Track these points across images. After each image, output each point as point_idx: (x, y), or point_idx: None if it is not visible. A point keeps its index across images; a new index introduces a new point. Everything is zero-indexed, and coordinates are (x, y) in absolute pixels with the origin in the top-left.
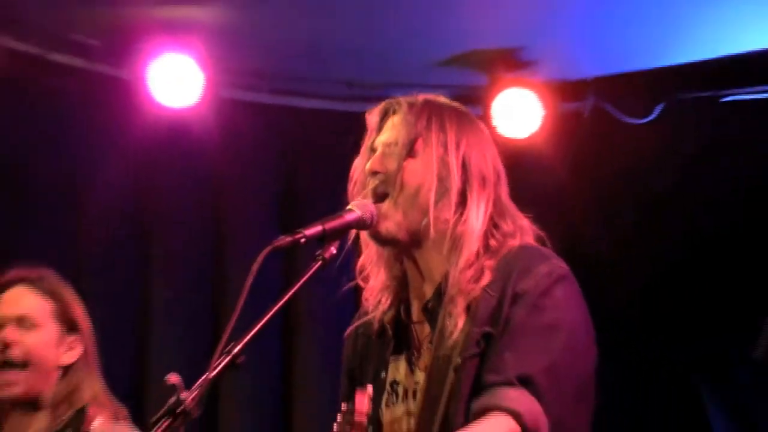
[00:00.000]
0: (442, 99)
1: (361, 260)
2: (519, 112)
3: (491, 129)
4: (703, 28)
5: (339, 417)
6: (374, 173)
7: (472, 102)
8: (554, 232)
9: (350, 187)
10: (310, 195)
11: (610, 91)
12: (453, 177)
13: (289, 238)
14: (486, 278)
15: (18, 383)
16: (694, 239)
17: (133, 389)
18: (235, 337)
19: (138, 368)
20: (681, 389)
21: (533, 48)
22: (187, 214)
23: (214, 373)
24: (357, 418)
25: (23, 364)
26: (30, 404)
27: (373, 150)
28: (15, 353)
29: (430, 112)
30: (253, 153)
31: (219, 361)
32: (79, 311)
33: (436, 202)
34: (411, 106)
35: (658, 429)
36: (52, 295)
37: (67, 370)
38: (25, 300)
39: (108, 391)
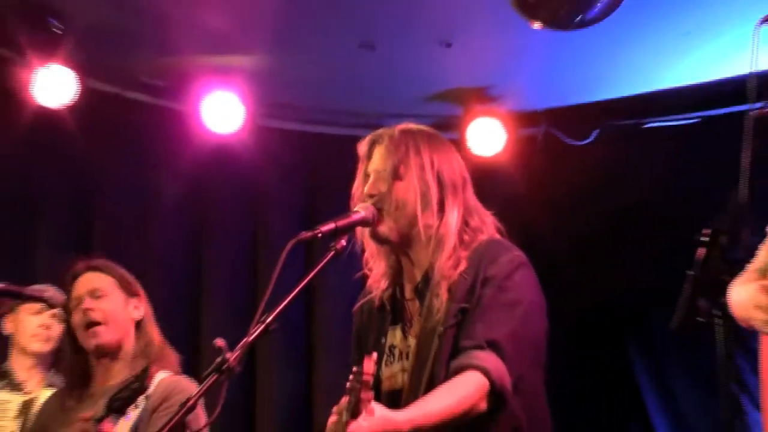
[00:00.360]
0: (414, 126)
1: (366, 255)
2: (487, 137)
3: (466, 150)
4: (627, 70)
5: (351, 376)
6: (371, 196)
7: (451, 129)
8: (513, 229)
9: (352, 203)
10: (329, 206)
11: (558, 120)
12: (432, 191)
13: (309, 233)
14: (462, 266)
15: (101, 334)
16: (618, 228)
17: (188, 353)
18: (268, 310)
19: (193, 337)
20: (616, 350)
21: (498, 86)
22: (231, 220)
23: (252, 337)
24: (365, 377)
25: (103, 323)
26: (113, 354)
27: (367, 175)
28: (94, 316)
29: (407, 140)
30: (283, 171)
31: (255, 328)
32: (135, 283)
33: (422, 213)
34: (391, 137)
35: (597, 384)
36: (112, 272)
37: (138, 324)
38: (93, 279)
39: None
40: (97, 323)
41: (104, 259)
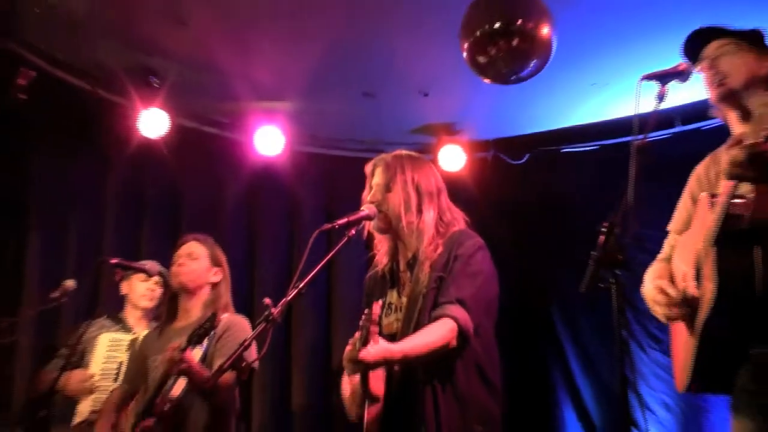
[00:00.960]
0: (405, 152)
1: (375, 242)
2: (452, 158)
3: (438, 167)
4: (548, 111)
5: (363, 316)
6: (372, 202)
7: (429, 152)
8: (473, 223)
9: (362, 205)
10: (343, 207)
11: (501, 146)
12: (412, 199)
13: (329, 225)
14: (440, 249)
15: (182, 275)
16: (547, 220)
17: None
18: (301, 278)
19: (249, 302)
20: (543, 313)
21: (460, 123)
22: (275, 216)
23: (289, 298)
24: (374, 317)
25: (187, 272)
26: (190, 293)
27: (371, 188)
28: (183, 265)
29: (396, 163)
30: (311, 182)
31: (292, 290)
32: (221, 256)
33: (405, 214)
34: (385, 161)
35: (530, 337)
36: (206, 244)
37: (214, 286)
38: (193, 245)
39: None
40: (182, 275)
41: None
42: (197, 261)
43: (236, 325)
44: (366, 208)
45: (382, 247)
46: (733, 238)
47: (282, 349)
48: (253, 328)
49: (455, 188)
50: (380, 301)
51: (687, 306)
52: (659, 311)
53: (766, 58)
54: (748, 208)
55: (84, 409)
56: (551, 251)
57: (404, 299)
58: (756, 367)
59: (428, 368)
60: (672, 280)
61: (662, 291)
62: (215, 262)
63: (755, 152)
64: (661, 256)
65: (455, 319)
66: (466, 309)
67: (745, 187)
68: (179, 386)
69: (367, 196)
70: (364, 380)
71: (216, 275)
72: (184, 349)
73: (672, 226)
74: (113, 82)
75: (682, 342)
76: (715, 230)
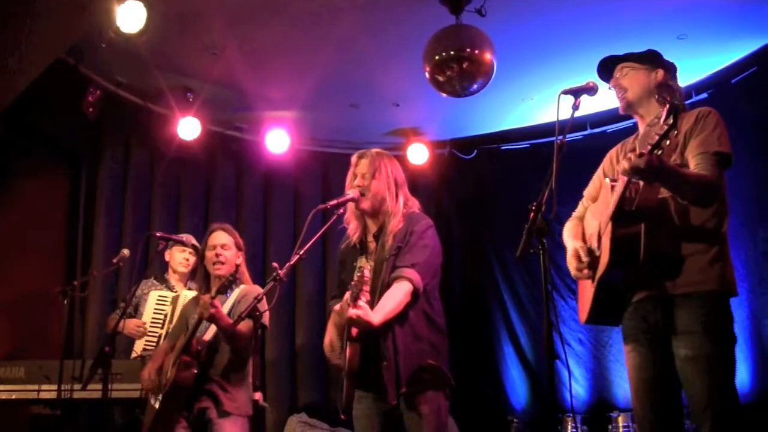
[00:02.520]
0: (382, 150)
1: (346, 216)
2: (418, 154)
3: (407, 162)
4: (490, 117)
5: (355, 278)
6: (359, 186)
7: (399, 149)
8: (428, 209)
9: (346, 188)
10: (334, 193)
11: (455, 145)
12: (391, 186)
13: (322, 206)
14: (401, 224)
15: (222, 269)
16: (493, 202)
17: (262, 273)
18: (301, 246)
19: (263, 267)
20: (487, 271)
21: (423, 127)
22: (282, 200)
23: (292, 262)
24: (365, 278)
25: (225, 263)
26: (229, 279)
27: (355, 175)
28: (221, 259)
29: (378, 157)
30: (311, 174)
31: (294, 255)
32: (240, 241)
33: (385, 198)
34: (370, 155)
35: (478, 294)
36: (232, 234)
37: (238, 267)
38: (221, 236)
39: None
40: (222, 263)
41: (226, 224)
42: (229, 251)
43: (253, 292)
44: (351, 192)
45: (352, 223)
46: (625, 215)
47: (290, 300)
48: (265, 284)
49: (421, 177)
50: (369, 266)
51: (591, 268)
52: (572, 269)
53: (655, 72)
54: (638, 194)
55: (138, 347)
56: (493, 225)
57: (372, 263)
58: (635, 309)
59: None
60: (584, 239)
61: (577, 255)
62: (238, 247)
63: (635, 167)
64: (575, 214)
65: (410, 280)
66: (418, 272)
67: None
68: (210, 332)
69: (351, 179)
70: (348, 327)
71: (239, 258)
72: (213, 298)
73: (586, 191)
74: (159, 98)
75: (586, 289)
76: (612, 209)
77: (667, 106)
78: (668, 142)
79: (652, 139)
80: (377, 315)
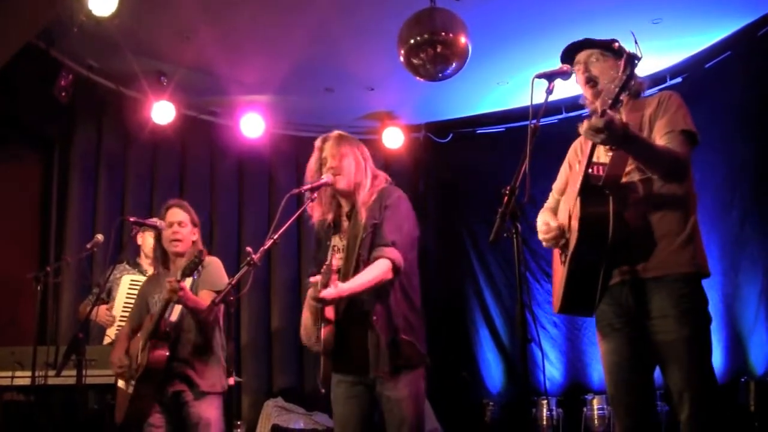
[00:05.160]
0: (343, 132)
1: (309, 206)
2: (393, 138)
3: (382, 145)
4: (465, 101)
5: (324, 266)
6: (332, 167)
7: (375, 133)
8: (410, 188)
9: (308, 172)
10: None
11: (430, 128)
12: (359, 162)
13: (296, 190)
14: (373, 199)
15: (179, 246)
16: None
17: (236, 258)
18: (275, 230)
19: (237, 251)
20: (462, 253)
21: (398, 110)
22: (257, 185)
23: (266, 246)
24: (333, 267)
25: (181, 240)
26: (181, 255)
27: (323, 159)
28: (177, 236)
29: (344, 140)
30: (285, 157)
31: (268, 240)
32: (196, 218)
33: (355, 176)
34: (335, 138)
35: (452, 274)
36: (188, 210)
37: (194, 243)
38: (178, 212)
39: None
40: (179, 240)
41: (181, 200)
42: (185, 228)
43: (212, 263)
44: (325, 177)
45: (326, 202)
46: (592, 189)
47: (265, 284)
48: (239, 269)
49: (396, 161)
50: (338, 255)
51: (562, 237)
52: (542, 238)
53: (621, 62)
54: (605, 169)
55: (111, 333)
56: (468, 208)
57: (345, 242)
58: (609, 295)
59: (368, 293)
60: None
61: (546, 223)
62: (194, 223)
63: (593, 126)
64: (546, 205)
65: (391, 260)
66: (398, 249)
67: (603, 151)
68: (176, 312)
69: (317, 163)
70: (321, 310)
71: (195, 234)
72: (179, 281)
73: (555, 185)
74: (132, 82)
75: (559, 273)
76: (580, 183)
77: (625, 56)
78: (628, 93)
79: (610, 93)
80: (346, 285)
